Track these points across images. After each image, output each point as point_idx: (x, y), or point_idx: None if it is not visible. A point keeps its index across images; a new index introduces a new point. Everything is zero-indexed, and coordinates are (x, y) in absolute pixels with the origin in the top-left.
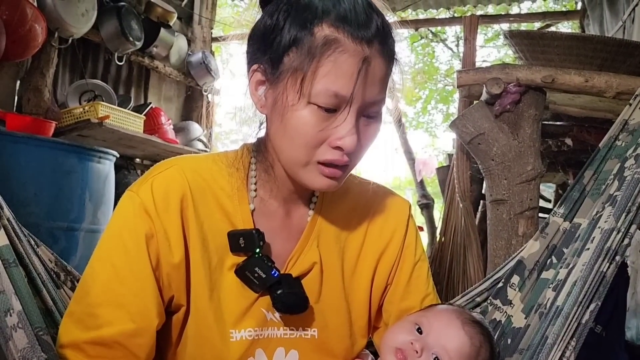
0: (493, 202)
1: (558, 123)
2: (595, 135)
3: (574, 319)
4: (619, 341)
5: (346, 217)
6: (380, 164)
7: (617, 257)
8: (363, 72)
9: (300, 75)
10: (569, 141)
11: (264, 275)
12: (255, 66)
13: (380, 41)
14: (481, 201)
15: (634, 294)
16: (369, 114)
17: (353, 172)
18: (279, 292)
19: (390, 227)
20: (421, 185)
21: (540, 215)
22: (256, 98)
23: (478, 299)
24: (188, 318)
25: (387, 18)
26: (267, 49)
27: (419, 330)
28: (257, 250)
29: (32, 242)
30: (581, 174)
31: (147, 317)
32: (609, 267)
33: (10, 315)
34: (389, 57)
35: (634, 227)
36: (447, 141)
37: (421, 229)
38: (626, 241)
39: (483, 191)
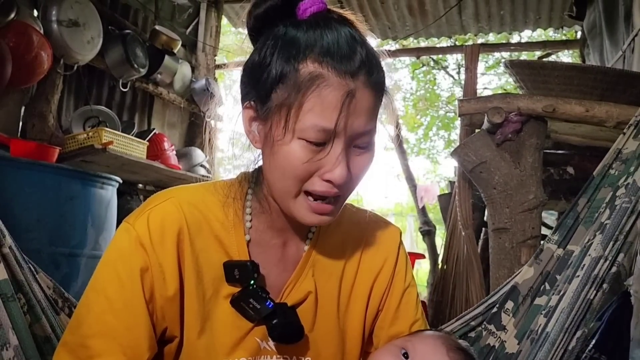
0: (495, 231)
1: (560, 152)
2: (597, 164)
3: (560, 346)
4: None
5: (341, 247)
6: (382, 190)
7: (605, 285)
8: (347, 105)
9: (287, 111)
10: (570, 170)
11: (258, 306)
12: (247, 103)
13: (366, 72)
14: (483, 229)
15: (637, 324)
16: (359, 145)
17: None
18: (274, 321)
19: (382, 255)
20: (423, 211)
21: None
22: (250, 134)
23: (473, 323)
24: (180, 350)
25: (372, 48)
26: (256, 86)
27: (405, 355)
28: (252, 282)
29: (32, 269)
30: (575, 202)
31: (138, 350)
32: (595, 295)
33: (7, 350)
34: (377, 87)
35: (621, 255)
36: (449, 168)
37: (423, 256)
38: (614, 269)
39: (485, 219)
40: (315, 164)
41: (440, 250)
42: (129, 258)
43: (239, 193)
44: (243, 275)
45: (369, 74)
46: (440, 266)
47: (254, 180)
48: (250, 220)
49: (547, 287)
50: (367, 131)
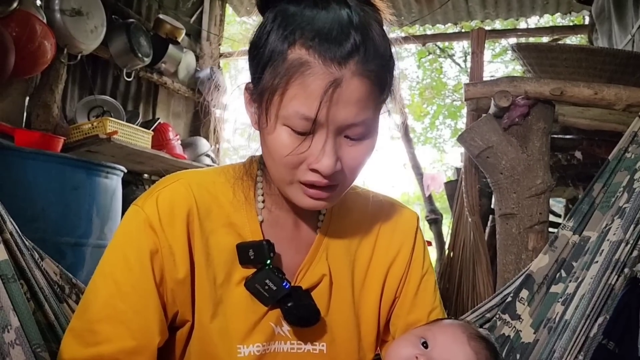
0: (502, 216)
1: (567, 136)
2: (606, 148)
3: (582, 333)
4: (632, 358)
5: (355, 230)
6: (388, 179)
7: (626, 270)
8: (330, 94)
9: (272, 97)
10: (578, 155)
11: (274, 288)
12: (246, 84)
13: (359, 60)
14: (490, 216)
15: None
16: (350, 136)
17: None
18: (289, 304)
19: (398, 240)
20: (429, 200)
21: (550, 230)
22: (250, 114)
23: (488, 315)
24: (192, 334)
25: (375, 33)
26: (251, 66)
27: (425, 345)
28: (268, 261)
29: (36, 256)
30: (590, 187)
31: (148, 335)
32: (617, 280)
33: (8, 332)
34: (373, 75)
35: None
36: (456, 156)
37: (429, 243)
38: (635, 253)
39: (492, 206)
40: (302, 153)
41: (447, 238)
42: (138, 240)
43: (248, 174)
44: (258, 255)
45: (363, 62)
46: (447, 254)
47: (263, 161)
48: (263, 201)
49: (564, 274)
50: (358, 122)
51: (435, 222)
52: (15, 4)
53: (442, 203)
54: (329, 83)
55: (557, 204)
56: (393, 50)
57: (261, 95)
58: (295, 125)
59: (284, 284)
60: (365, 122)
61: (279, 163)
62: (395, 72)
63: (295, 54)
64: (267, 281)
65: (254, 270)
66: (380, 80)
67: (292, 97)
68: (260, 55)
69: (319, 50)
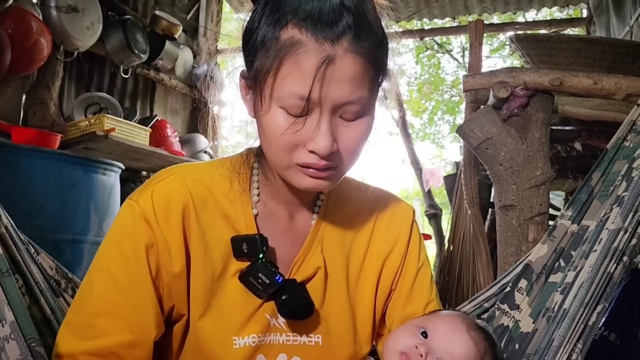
0: (502, 208)
1: (567, 128)
2: (605, 139)
3: (581, 321)
4: (633, 350)
5: (350, 222)
6: (388, 175)
7: (625, 258)
8: (323, 71)
9: (266, 78)
10: (578, 146)
11: (267, 281)
12: (241, 72)
13: (352, 38)
14: (490, 209)
15: None
16: (345, 116)
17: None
18: (283, 297)
19: (394, 233)
20: (429, 195)
21: (550, 223)
22: (246, 102)
23: (486, 305)
24: (189, 328)
25: (369, 17)
26: (244, 52)
27: (424, 334)
28: (261, 255)
29: (32, 250)
30: (589, 176)
31: (145, 328)
32: (616, 268)
33: (3, 326)
34: (366, 53)
35: None
36: (454, 152)
37: (429, 237)
38: (634, 241)
39: (491, 199)
40: (297, 134)
41: (447, 233)
42: (134, 234)
43: (244, 166)
44: (251, 249)
45: (355, 39)
46: (446, 247)
47: (259, 152)
48: (258, 195)
49: (562, 263)
50: (352, 101)
51: (434, 217)
52: (10, 1)
53: (441, 198)
54: (322, 60)
55: (557, 198)
56: (387, 32)
57: (255, 78)
58: (290, 105)
59: (276, 277)
60: (361, 101)
61: (275, 146)
62: (390, 54)
63: (288, 34)
64: (260, 275)
65: (248, 263)
66: (374, 58)
67: (285, 76)
68: (253, 40)
69: (311, 30)
